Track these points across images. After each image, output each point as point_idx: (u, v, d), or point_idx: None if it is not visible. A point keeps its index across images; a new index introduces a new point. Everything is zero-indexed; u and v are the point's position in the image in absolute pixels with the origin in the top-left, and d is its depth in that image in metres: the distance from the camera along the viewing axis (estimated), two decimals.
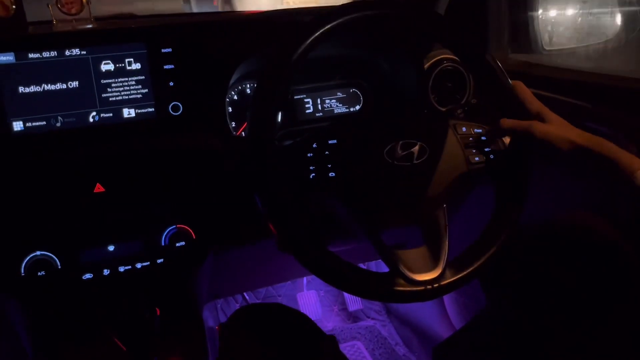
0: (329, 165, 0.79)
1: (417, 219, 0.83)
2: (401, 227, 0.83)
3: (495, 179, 0.87)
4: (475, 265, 0.81)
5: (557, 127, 0.78)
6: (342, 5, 0.80)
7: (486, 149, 0.86)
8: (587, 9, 1.16)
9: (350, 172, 0.80)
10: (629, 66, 1.08)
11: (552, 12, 1.22)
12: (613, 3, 1.12)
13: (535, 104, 0.81)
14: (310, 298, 1.82)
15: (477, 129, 0.86)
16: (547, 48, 1.24)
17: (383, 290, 0.77)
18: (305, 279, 1.86)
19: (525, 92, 0.82)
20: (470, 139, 0.86)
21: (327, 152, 0.80)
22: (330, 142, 0.80)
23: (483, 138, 0.86)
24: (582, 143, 0.74)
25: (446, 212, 0.84)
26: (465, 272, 0.80)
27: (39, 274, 0.87)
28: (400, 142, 0.81)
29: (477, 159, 0.85)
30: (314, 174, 0.79)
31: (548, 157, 0.80)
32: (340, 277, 0.77)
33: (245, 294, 1.82)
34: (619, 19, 1.12)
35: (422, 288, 0.77)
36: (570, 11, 1.22)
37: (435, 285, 0.78)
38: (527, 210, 0.84)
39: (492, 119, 0.86)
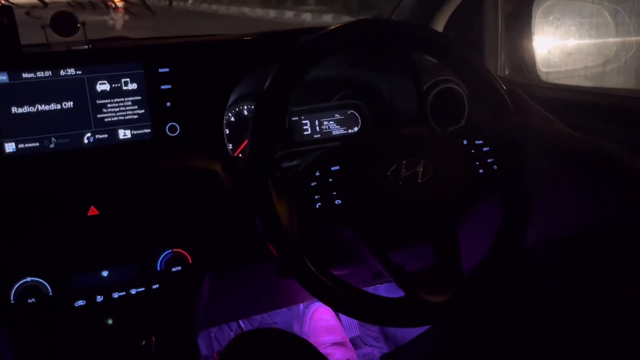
0: (334, 193, 0.78)
1: (427, 237, 0.81)
2: (411, 248, 0.82)
3: (500, 189, 0.85)
4: (490, 282, 0.79)
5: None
6: (341, 24, 0.79)
7: (489, 160, 0.85)
8: (585, 30, 1.17)
9: (357, 198, 0.78)
10: (629, 86, 1.08)
11: (549, 33, 1.23)
12: (610, 24, 1.13)
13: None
14: None
15: (478, 140, 0.85)
16: (543, 70, 1.25)
17: (400, 315, 0.75)
18: (301, 305, 1.82)
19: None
20: (472, 151, 0.85)
21: (330, 180, 0.78)
22: (333, 168, 0.78)
23: (485, 149, 0.85)
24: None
25: (456, 228, 0.82)
26: (480, 290, 0.78)
27: (29, 301, 0.84)
28: (404, 162, 0.79)
29: (481, 171, 0.84)
30: (319, 204, 0.77)
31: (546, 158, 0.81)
32: (351, 303, 0.75)
33: (240, 322, 1.78)
34: (617, 39, 1.12)
35: (440, 310, 0.75)
36: (567, 32, 1.22)
37: (452, 305, 0.76)
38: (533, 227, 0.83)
39: (491, 128, 0.86)
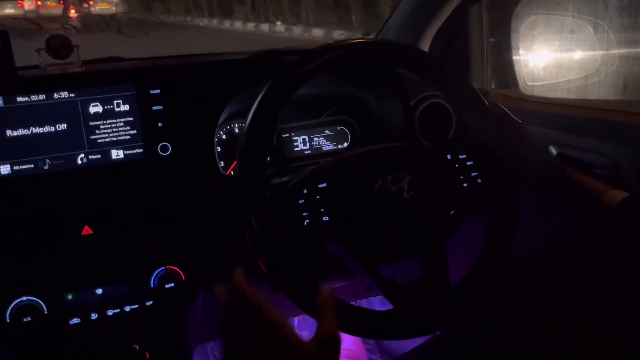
0: (322, 210, 0.79)
1: (415, 251, 0.83)
2: (399, 261, 0.83)
3: (485, 202, 0.87)
4: (477, 292, 0.81)
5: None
6: (327, 44, 0.82)
7: (473, 174, 0.86)
8: (567, 44, 1.19)
9: (344, 214, 0.80)
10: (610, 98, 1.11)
11: (534, 48, 1.26)
12: (592, 40, 1.16)
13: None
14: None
15: (462, 154, 0.87)
16: (529, 83, 1.27)
17: (389, 328, 0.77)
18: (296, 319, 1.83)
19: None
20: (457, 165, 0.86)
21: (318, 197, 0.79)
22: (320, 185, 0.80)
23: (469, 163, 0.87)
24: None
25: (443, 241, 0.84)
26: (468, 300, 0.80)
27: (24, 320, 0.85)
28: (390, 177, 0.81)
29: (465, 184, 0.85)
30: (307, 220, 0.78)
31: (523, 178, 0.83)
32: (342, 317, 0.76)
33: None
34: (598, 54, 1.15)
35: (429, 320, 0.77)
36: (550, 48, 1.25)
37: (441, 316, 0.77)
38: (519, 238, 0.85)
39: (474, 142, 0.88)
